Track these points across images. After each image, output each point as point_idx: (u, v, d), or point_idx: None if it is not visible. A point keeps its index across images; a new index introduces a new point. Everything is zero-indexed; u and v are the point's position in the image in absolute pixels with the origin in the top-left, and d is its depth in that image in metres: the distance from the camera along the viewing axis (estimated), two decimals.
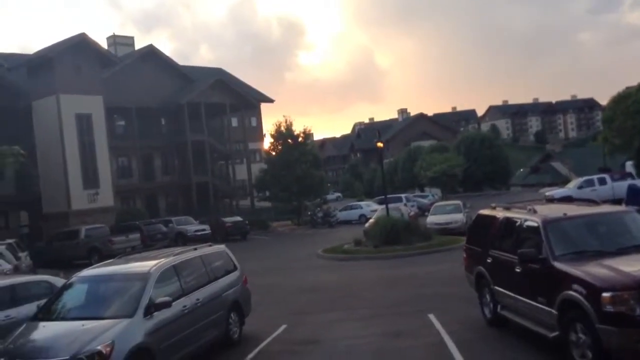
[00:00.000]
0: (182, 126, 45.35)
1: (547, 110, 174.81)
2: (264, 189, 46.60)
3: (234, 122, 51.89)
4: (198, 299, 9.10)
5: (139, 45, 49.68)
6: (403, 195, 44.33)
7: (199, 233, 34.05)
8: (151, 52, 46.53)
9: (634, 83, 55.95)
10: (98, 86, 37.97)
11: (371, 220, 26.38)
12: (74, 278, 9.13)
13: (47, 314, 8.38)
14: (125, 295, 8.19)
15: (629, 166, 39.48)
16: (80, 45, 37.57)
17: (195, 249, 10.43)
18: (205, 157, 45.72)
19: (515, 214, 9.63)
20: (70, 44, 37.63)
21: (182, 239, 32.79)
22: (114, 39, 48.67)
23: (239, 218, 38.25)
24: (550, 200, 20.56)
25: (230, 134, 49.53)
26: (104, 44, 45.56)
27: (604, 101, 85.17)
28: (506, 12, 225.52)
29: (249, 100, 49.98)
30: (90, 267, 9.71)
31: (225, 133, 49.90)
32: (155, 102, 44.46)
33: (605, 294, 6.66)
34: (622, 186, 30.96)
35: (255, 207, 48.58)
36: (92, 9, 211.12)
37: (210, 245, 11.19)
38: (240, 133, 49.87)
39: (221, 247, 11.35)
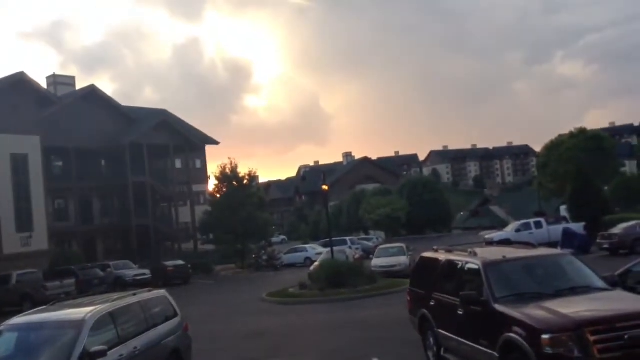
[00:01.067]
0: (124, 167, 44.34)
1: (485, 156, 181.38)
2: (208, 231, 45.80)
3: (178, 163, 51.20)
4: (136, 347, 8.70)
5: (80, 85, 48.83)
6: (348, 238, 44.54)
7: (139, 278, 32.97)
8: (92, 92, 45.70)
9: (566, 131, 59.12)
10: (35, 126, 36.85)
11: (316, 263, 26.28)
12: (2, 326, 8.59)
13: None
14: (57, 345, 7.74)
15: (563, 210, 41.15)
16: (18, 84, 36.57)
17: (134, 294, 10.03)
18: (147, 200, 44.71)
19: (457, 257, 9.80)
20: (7, 83, 36.57)
21: (121, 284, 31.58)
22: (54, 79, 47.58)
23: (181, 262, 37.34)
24: (490, 243, 21.23)
25: (174, 176, 48.76)
26: (44, 84, 44.51)
27: (538, 148, 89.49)
28: (448, 62, 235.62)
29: (193, 142, 49.54)
30: (20, 315, 9.18)
31: (169, 175, 49.10)
32: (95, 143, 43.41)
33: (544, 336, 6.79)
34: (557, 229, 32.20)
35: (199, 250, 47.59)
36: (32, 47, 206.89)
37: (149, 291, 10.80)
38: (184, 175, 49.18)
39: (161, 292, 10.97)
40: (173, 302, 10.81)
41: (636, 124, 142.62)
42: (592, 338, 6.71)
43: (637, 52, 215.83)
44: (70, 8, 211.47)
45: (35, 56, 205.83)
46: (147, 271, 34.62)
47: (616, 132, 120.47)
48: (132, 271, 34.62)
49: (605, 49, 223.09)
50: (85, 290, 27.37)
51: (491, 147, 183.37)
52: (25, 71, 37.76)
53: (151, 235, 44.17)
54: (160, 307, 10.39)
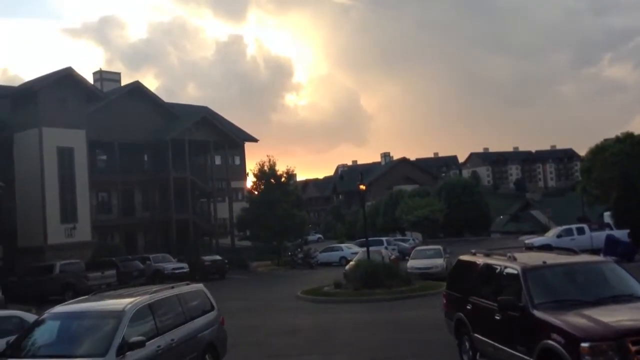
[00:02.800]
0: (165, 163, 45.19)
1: (527, 159, 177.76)
2: (245, 228, 46.32)
3: (218, 160, 51.86)
4: (173, 339, 8.88)
5: (125, 81, 49.98)
6: (384, 239, 44.33)
7: (177, 271, 33.53)
8: (137, 89, 46.70)
9: (611, 135, 57.41)
10: (81, 120, 37.86)
11: (351, 263, 26.26)
12: (46, 314, 8.88)
13: (16, 351, 8.10)
14: (98, 334, 7.96)
15: (607, 217, 40.06)
16: (66, 79, 37.61)
17: (172, 287, 10.23)
18: (187, 195, 45.44)
19: (495, 261, 9.67)
20: (56, 78, 37.66)
21: (159, 277, 32.21)
22: (100, 74, 48.82)
23: (218, 257, 37.83)
24: (530, 248, 20.68)
25: (213, 172, 49.42)
26: (91, 79, 45.73)
27: (582, 152, 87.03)
28: (490, 62, 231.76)
29: (233, 139, 50.12)
30: (63, 304, 9.46)
31: (208, 171, 49.79)
32: (138, 138, 44.36)
33: (584, 344, 6.64)
34: (600, 236, 31.40)
35: (236, 246, 48.14)
36: (81, 44, 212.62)
37: (187, 284, 10.99)
38: (223, 171, 49.82)
39: (199, 286, 11.15)
40: (210, 296, 10.97)
41: None
42: (633, 348, 6.55)
43: None
44: (117, 6, 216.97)
45: (83, 52, 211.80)
46: (185, 265, 35.18)
47: None
48: (171, 264, 35.23)
49: None
50: (125, 282, 28.02)
51: (533, 150, 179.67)
52: (72, 67, 38.76)
53: (190, 230, 44.89)
54: (198, 300, 10.57)
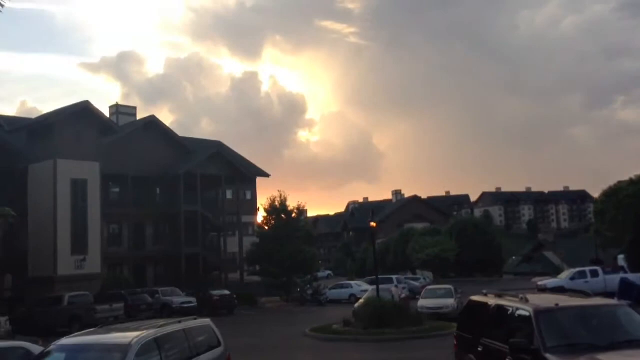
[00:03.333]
0: (177, 196, 45.42)
1: (540, 200, 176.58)
2: (254, 263, 46.10)
3: (229, 194, 52.04)
4: None
5: (141, 115, 50.72)
6: (394, 277, 43.87)
7: (185, 305, 33.32)
8: (152, 123, 47.35)
9: (625, 177, 57.04)
10: (96, 153, 38.35)
11: (361, 301, 25.96)
12: (52, 346, 8.82)
13: None
14: None
15: (621, 260, 39.49)
16: (82, 112, 38.28)
17: (180, 321, 10.14)
18: (198, 229, 45.50)
19: (507, 302, 9.52)
20: (73, 111, 38.34)
21: (167, 311, 32.04)
22: (116, 108, 49.63)
23: (227, 292, 37.59)
24: (543, 290, 20.46)
25: (225, 206, 49.56)
26: (107, 113, 46.48)
27: (595, 194, 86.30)
28: (503, 103, 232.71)
29: (245, 174, 50.40)
30: (70, 336, 9.41)
31: (220, 205, 49.94)
32: (152, 172, 44.74)
33: None
34: (614, 279, 30.86)
35: (245, 281, 47.86)
36: (99, 79, 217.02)
37: (195, 319, 10.90)
38: (234, 206, 49.93)
39: (206, 321, 11.06)
40: (217, 332, 10.86)
41: None
42: None
43: None
44: (136, 42, 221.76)
45: (101, 87, 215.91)
46: (193, 299, 34.97)
47: None
48: (179, 298, 35.04)
49: None
50: (133, 315, 27.87)
51: (546, 191, 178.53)
52: (90, 100, 39.53)
53: (200, 264, 44.78)
54: (205, 335, 10.46)
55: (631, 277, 31.03)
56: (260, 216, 48.77)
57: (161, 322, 10.09)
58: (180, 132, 52.27)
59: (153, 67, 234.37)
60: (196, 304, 34.23)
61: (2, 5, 10.62)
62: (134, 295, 32.35)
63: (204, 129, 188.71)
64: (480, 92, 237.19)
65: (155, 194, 48.25)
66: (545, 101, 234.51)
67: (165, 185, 47.35)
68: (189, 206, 45.19)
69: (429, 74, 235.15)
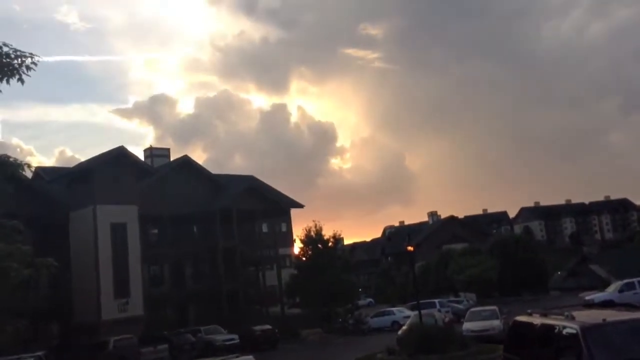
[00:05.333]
0: (214, 232, 45.88)
1: (581, 212, 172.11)
2: (294, 294, 45.97)
3: (265, 227, 52.31)
4: None
5: (175, 155, 51.76)
6: (437, 301, 43.16)
7: (228, 343, 33.27)
8: (185, 162, 48.24)
9: None
10: (133, 196, 39.19)
11: (404, 328, 25.62)
12: None
13: None
14: None
15: None
16: (118, 157, 39.33)
17: (224, 359, 10.23)
18: (236, 263, 45.76)
19: (553, 321, 9.32)
20: (109, 157, 39.43)
21: (211, 349, 32.06)
22: (150, 151, 50.79)
23: (268, 326, 37.48)
24: (589, 305, 19.81)
25: (261, 240, 49.78)
26: (141, 156, 47.60)
27: (638, 201, 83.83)
28: (535, 115, 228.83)
29: (279, 207, 50.67)
30: None
31: (256, 239, 50.20)
32: (188, 210, 45.37)
33: None
34: None
35: (286, 313, 47.69)
36: (133, 124, 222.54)
37: (237, 357, 10.97)
38: (270, 239, 50.13)
39: (249, 357, 11.13)
40: None
41: None
42: None
43: None
44: (166, 85, 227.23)
45: (134, 131, 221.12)
46: (235, 336, 34.96)
47: None
48: (222, 336, 35.07)
49: None
50: (177, 356, 28.04)
51: (587, 202, 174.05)
52: (124, 145, 40.65)
53: (240, 299, 44.88)
54: None
55: None
56: (297, 247, 48.92)
57: None
58: (214, 169, 53.26)
59: (184, 107, 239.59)
60: (238, 340, 34.22)
61: (35, 64, 11.11)
62: (177, 335, 32.56)
63: (237, 164, 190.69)
64: (511, 105, 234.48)
65: (192, 231, 48.87)
66: (579, 110, 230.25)
67: (201, 223, 47.92)
68: (226, 242, 45.56)
69: (456, 91, 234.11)
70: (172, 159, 50.60)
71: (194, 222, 47.93)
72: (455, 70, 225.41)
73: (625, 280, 35.20)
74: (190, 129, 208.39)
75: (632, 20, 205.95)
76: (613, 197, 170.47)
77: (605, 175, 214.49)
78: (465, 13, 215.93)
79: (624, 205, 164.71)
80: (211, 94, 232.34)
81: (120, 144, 40.61)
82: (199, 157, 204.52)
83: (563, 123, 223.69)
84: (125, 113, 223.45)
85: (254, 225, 50.62)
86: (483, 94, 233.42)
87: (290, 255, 55.65)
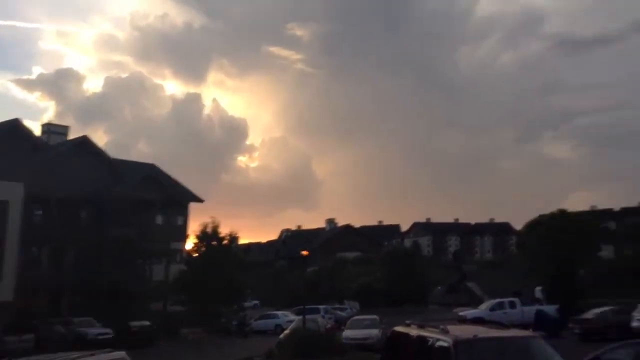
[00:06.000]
0: (103, 220, 43.78)
1: (466, 231, 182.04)
2: (180, 291, 44.79)
3: (159, 219, 50.60)
4: None
5: (74, 134, 49.03)
6: (321, 307, 43.77)
7: (101, 337, 31.79)
8: (83, 143, 45.81)
9: (548, 211, 59.72)
10: (22, 173, 36.64)
11: (286, 332, 25.70)
12: None
13: None
14: None
15: (538, 292, 41.08)
16: (11, 131, 36.74)
17: (93, 354, 9.70)
18: (123, 254, 43.87)
19: (428, 333, 9.67)
20: (0, 129, 36.61)
21: (81, 342, 30.42)
22: (48, 127, 47.74)
23: (147, 322, 36.28)
24: (463, 320, 20.85)
25: (155, 232, 48.04)
26: (38, 131, 44.72)
27: (519, 226, 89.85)
28: (441, 135, 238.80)
29: (177, 198, 49.33)
30: None
31: (149, 230, 48.36)
32: (79, 193, 42.96)
33: None
34: (530, 311, 32.07)
35: (169, 310, 46.31)
36: (32, 96, 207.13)
37: (109, 352, 10.43)
38: (164, 231, 48.56)
39: (121, 353, 10.61)
40: None
41: (616, 209, 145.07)
42: None
43: (624, 139, 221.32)
44: (76, 60, 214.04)
45: (34, 104, 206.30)
46: (109, 330, 33.54)
47: (596, 215, 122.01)
48: (95, 329, 33.52)
49: (594, 133, 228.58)
50: (44, 347, 26.34)
51: (473, 223, 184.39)
52: (20, 118, 37.95)
53: (122, 292, 42.98)
54: None
55: (546, 309, 32.41)
56: (191, 243, 47.75)
57: (74, 355, 9.62)
58: (115, 153, 50.82)
59: (91, 85, 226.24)
60: (112, 335, 32.78)
61: None
62: (46, 325, 30.61)
63: (140, 151, 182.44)
64: (421, 124, 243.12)
65: (80, 217, 46.25)
66: (480, 135, 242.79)
67: (92, 208, 45.50)
68: (116, 230, 43.58)
69: (372, 104, 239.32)
70: (70, 138, 47.82)
71: (83, 207, 45.44)
72: (374, 83, 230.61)
73: (497, 300, 37.61)
74: (95, 108, 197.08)
75: (539, 55, 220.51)
76: (497, 220, 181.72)
77: (493, 199, 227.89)
78: (390, 29, 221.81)
79: (505, 229, 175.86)
80: (123, 74, 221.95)
81: (15, 117, 37.72)
82: (100, 139, 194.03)
83: (464, 146, 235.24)
84: (27, 84, 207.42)
85: (149, 215, 48.84)
86: (396, 109, 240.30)
87: (181, 251, 54.17)
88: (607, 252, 72.52)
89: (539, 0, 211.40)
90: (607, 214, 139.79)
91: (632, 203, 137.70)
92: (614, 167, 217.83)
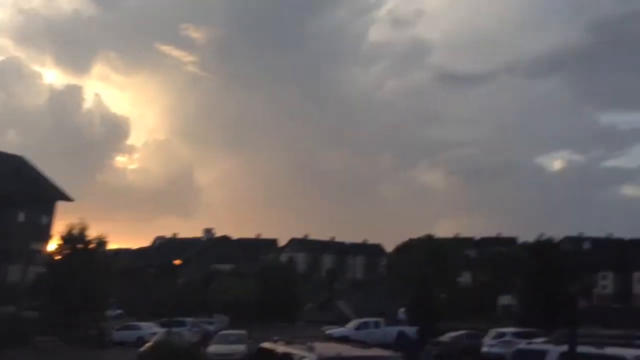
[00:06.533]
0: None
1: (341, 250, 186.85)
2: (37, 296, 41.73)
3: (21, 216, 46.88)
4: None
5: None
6: (188, 320, 42.75)
7: None
8: None
9: (417, 235, 63.13)
10: None
11: (148, 344, 24.87)
12: None
13: None
14: None
15: (401, 313, 43.11)
16: None
17: None
18: None
19: (294, 350, 9.88)
20: None
21: None
22: None
23: None
24: (329, 338, 21.58)
25: (14, 230, 44.34)
26: None
27: (390, 248, 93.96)
28: (323, 153, 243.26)
29: (44, 196, 46.04)
30: None
31: (6, 228, 44.62)
32: None
33: None
34: (392, 331, 33.62)
35: (22, 315, 42.86)
36: None
37: None
38: (25, 230, 45.00)
39: None
40: None
41: (477, 238, 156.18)
42: None
43: (486, 171, 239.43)
44: None
45: None
46: None
47: (459, 242, 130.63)
48: None
49: (463, 164, 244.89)
50: None
51: (347, 242, 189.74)
52: None
53: None
54: None
55: (407, 330, 34.14)
56: (54, 244, 44.72)
57: None
58: None
59: None
60: None
61: None
62: None
63: (9, 141, 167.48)
64: (306, 139, 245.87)
65: None
66: (361, 158, 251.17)
67: None
68: None
69: (260, 114, 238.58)
70: None
71: None
72: (264, 93, 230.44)
73: (363, 319, 39.02)
74: None
75: (422, 86, 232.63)
76: (370, 241, 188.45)
77: (368, 220, 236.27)
78: (287, 42, 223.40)
79: (377, 250, 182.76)
80: None
81: None
82: None
83: (346, 166, 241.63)
84: None
85: (10, 211, 45.08)
86: (284, 121, 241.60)
87: (43, 252, 50.52)
88: (465, 278, 77.88)
89: (427, 33, 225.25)
90: (468, 241, 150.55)
91: (491, 233, 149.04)
92: (476, 198, 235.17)
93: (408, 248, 59.95)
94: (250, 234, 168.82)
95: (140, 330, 40.41)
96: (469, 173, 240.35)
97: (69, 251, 41.00)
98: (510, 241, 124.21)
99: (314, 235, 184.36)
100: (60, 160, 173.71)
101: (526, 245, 56.67)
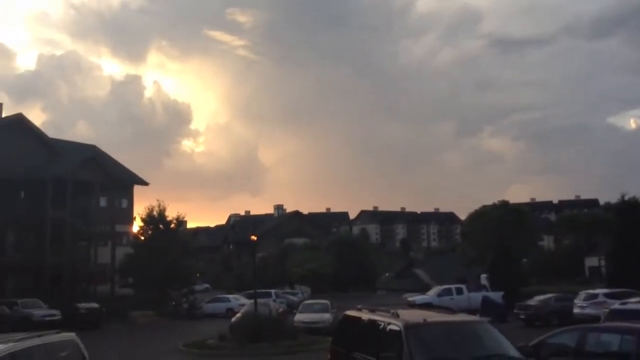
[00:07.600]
0: (44, 202, 42.22)
1: (413, 220, 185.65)
2: (127, 275, 43.95)
3: (103, 202, 49.23)
4: None
5: (7, 112, 46.78)
6: (273, 291, 43.88)
7: (48, 318, 31.02)
8: (19, 121, 43.86)
9: (489, 202, 61.71)
10: None
11: (238, 315, 25.68)
12: None
13: None
14: None
15: (484, 279, 42.39)
16: None
17: (40, 335, 9.41)
18: (65, 237, 42.58)
19: (379, 317, 9.85)
20: None
21: (27, 324, 29.55)
22: None
23: (95, 305, 35.50)
24: (412, 305, 21.54)
25: (98, 215, 46.75)
26: None
27: (463, 216, 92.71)
28: (382, 125, 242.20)
29: (120, 181, 48.04)
30: None
31: (92, 213, 47.07)
32: (16, 174, 41.23)
33: None
34: (477, 297, 33.15)
35: (116, 294, 45.38)
36: None
37: (58, 333, 10.17)
38: (108, 214, 47.31)
39: (70, 335, 10.35)
40: (82, 347, 10.20)
41: (555, 201, 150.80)
42: None
43: (556, 134, 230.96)
44: (7, 35, 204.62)
45: None
46: (57, 312, 32.67)
47: (536, 207, 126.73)
48: (41, 311, 32.58)
49: (530, 128, 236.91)
50: None
51: (419, 212, 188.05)
52: None
53: (66, 275, 41.87)
54: (68, 351, 9.78)
55: (492, 295, 33.53)
56: (137, 226, 46.79)
57: (19, 335, 9.30)
58: (54, 134, 48.93)
59: (24, 62, 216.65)
60: (60, 316, 31.99)
61: None
62: None
63: (80, 132, 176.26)
64: (363, 113, 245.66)
65: (18, 198, 44.52)
66: (420, 127, 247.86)
67: (30, 190, 43.81)
68: (56, 213, 42.13)
69: (316, 93, 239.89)
70: (4, 116, 45.75)
71: (22, 188, 43.67)
72: (317, 71, 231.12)
73: (444, 286, 38.63)
74: (29, 86, 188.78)
75: (476, 53, 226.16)
76: (442, 210, 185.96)
77: (437, 189, 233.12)
78: (332, 20, 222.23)
79: (450, 218, 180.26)
80: (58, 52, 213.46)
81: None
82: (37, 117, 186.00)
83: (406, 137, 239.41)
84: None
85: (91, 198, 47.44)
86: (339, 98, 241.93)
87: (128, 233, 53.00)
88: (547, 242, 75.56)
89: (476, 1, 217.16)
90: (546, 206, 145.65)
91: (569, 196, 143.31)
92: (550, 161, 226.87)
93: (482, 215, 58.53)
94: (321, 209, 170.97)
95: (229, 302, 41.82)
96: (536, 137, 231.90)
97: (151, 232, 42.74)
98: (592, 203, 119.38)
99: (384, 207, 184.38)
100: (129, 147, 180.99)
101: (609, 206, 54.09)
